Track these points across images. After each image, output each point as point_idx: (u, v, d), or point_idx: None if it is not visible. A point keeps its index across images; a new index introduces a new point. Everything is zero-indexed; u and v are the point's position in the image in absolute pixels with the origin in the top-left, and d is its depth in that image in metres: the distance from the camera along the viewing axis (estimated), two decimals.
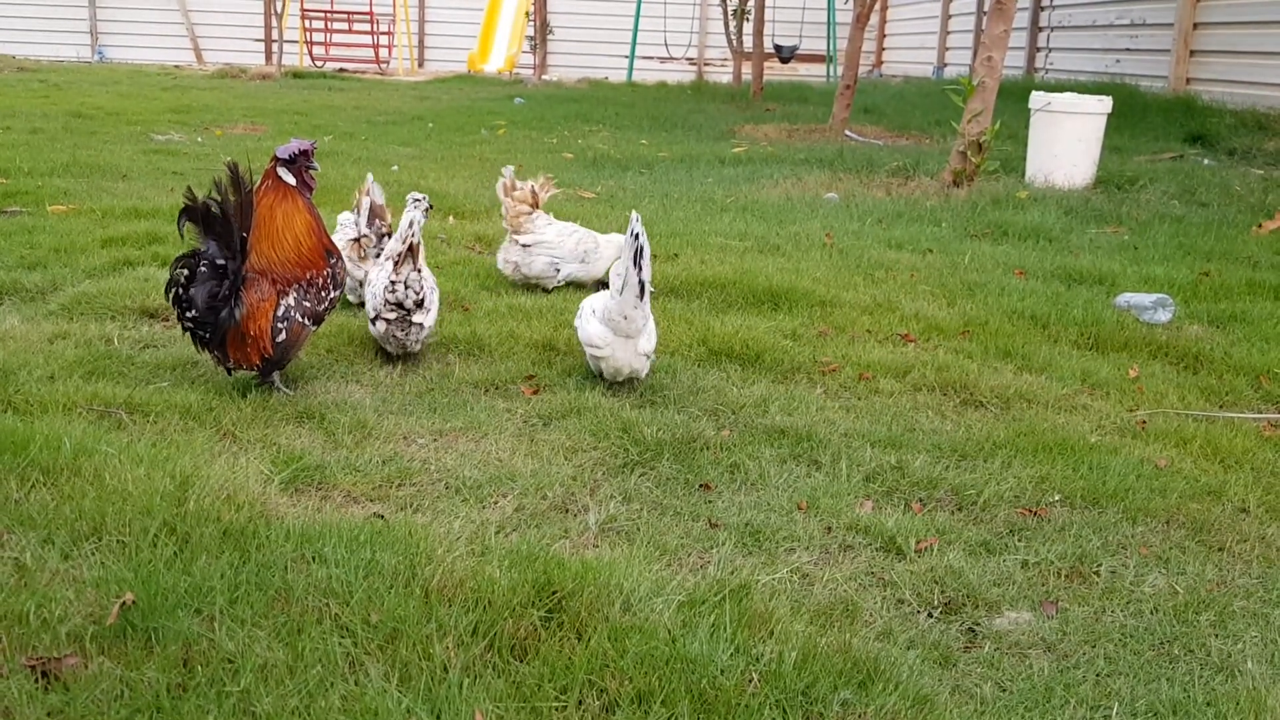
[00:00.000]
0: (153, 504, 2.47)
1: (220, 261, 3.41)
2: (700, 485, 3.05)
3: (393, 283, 3.84)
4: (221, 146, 9.93)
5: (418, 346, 3.97)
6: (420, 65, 24.46)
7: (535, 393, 3.76)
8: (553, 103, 16.28)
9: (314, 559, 2.33)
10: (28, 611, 2.09)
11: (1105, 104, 8.61)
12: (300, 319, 3.58)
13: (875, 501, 3.01)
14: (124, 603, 2.11)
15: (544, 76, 21.87)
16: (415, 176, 8.42)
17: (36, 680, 1.93)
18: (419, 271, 3.89)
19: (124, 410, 3.23)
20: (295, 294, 3.58)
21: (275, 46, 21.35)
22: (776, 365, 4.11)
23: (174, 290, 3.43)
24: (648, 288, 3.69)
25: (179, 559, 2.28)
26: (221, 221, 3.40)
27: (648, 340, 3.80)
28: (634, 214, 3.74)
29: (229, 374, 3.62)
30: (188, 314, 3.43)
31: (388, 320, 3.87)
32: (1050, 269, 5.63)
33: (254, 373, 3.59)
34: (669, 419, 3.46)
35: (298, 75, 20.79)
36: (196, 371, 3.78)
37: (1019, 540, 2.83)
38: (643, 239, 3.65)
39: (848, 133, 13.59)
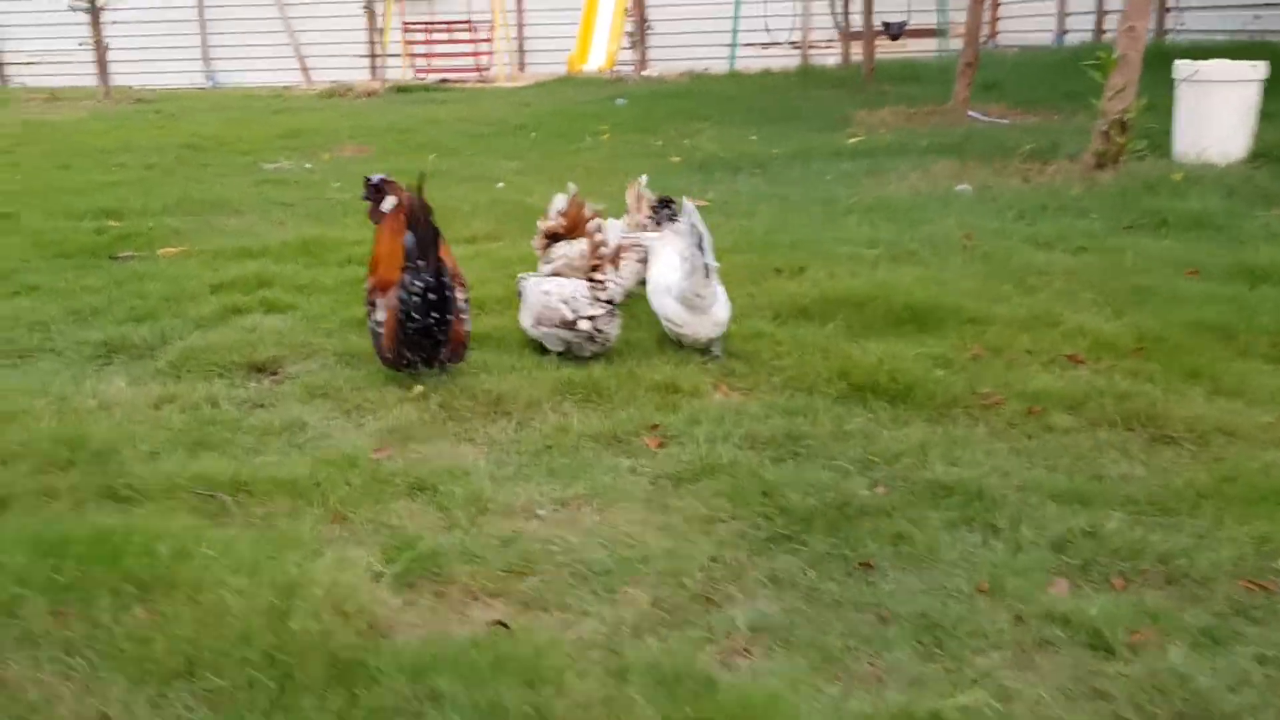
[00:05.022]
0: (252, 627, 2.21)
1: (443, 279, 3.82)
2: (860, 564, 2.68)
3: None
4: (330, 172, 9.85)
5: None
6: (521, 69, 24.38)
7: (661, 445, 3.43)
8: (655, 100, 15.94)
9: (429, 698, 2.03)
10: None
11: (1260, 69, 7.91)
12: (466, 306, 4.06)
13: (1069, 578, 2.59)
14: None
15: (644, 73, 21.54)
16: (520, 194, 8.18)
17: None
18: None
19: (228, 493, 3.00)
20: (460, 290, 4.01)
21: (378, 62, 21.47)
22: (930, 400, 3.71)
23: (426, 311, 3.80)
24: (713, 269, 4.05)
25: (278, 705, 2.01)
26: (433, 240, 3.81)
27: (722, 309, 4.17)
28: (687, 203, 4.13)
29: (440, 369, 3.99)
30: (441, 326, 3.84)
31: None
32: (1225, 265, 5.07)
33: (454, 364, 4.03)
34: (815, 477, 3.09)
35: (401, 90, 20.86)
36: (304, 435, 3.55)
37: (1247, 624, 2.39)
38: (700, 226, 4.00)
39: (970, 113, 12.92)
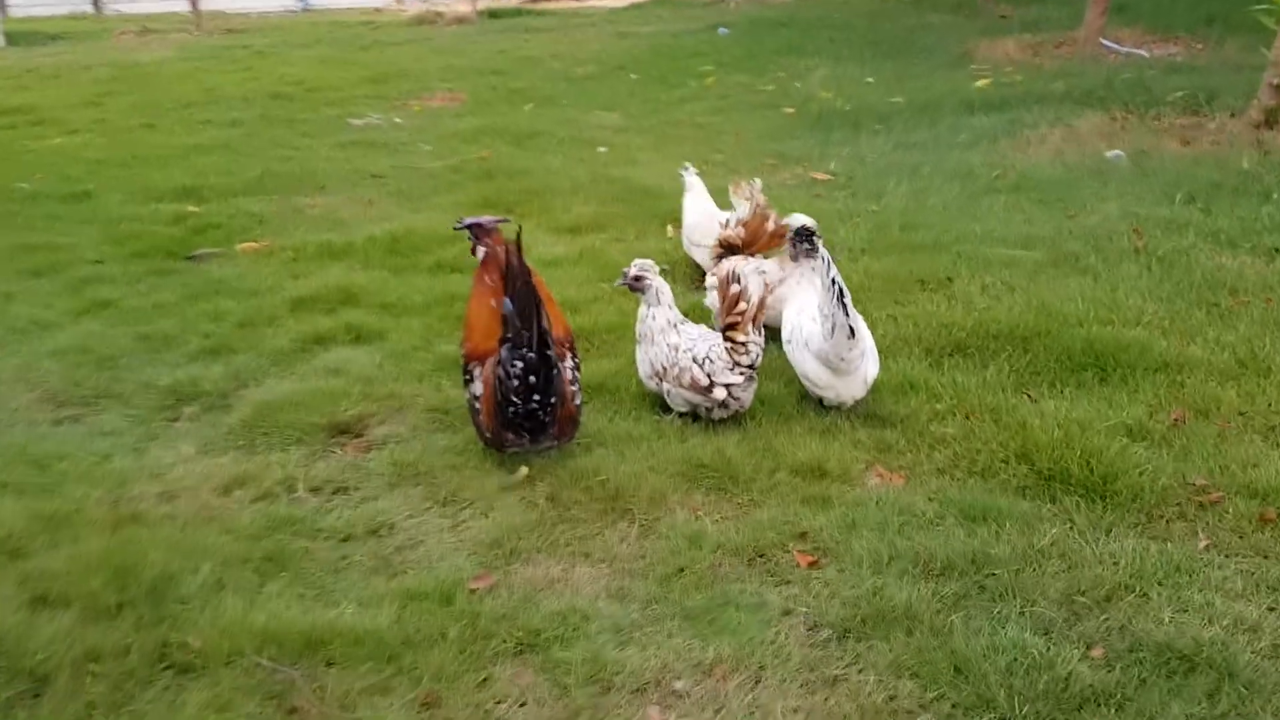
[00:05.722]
0: None
1: (548, 354, 3.21)
2: None
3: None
4: (420, 128, 9.30)
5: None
6: None
7: (814, 564, 2.86)
8: (759, 30, 15.03)
9: None
10: None
11: None
12: (577, 377, 3.44)
13: None
14: None
15: None
16: (625, 164, 7.54)
17: None
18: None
19: (300, 659, 2.50)
20: (570, 358, 3.42)
21: None
22: (1135, 496, 3.06)
23: (528, 395, 3.23)
24: (858, 330, 3.50)
25: None
26: (535, 307, 3.15)
27: (872, 365, 3.63)
28: (823, 252, 3.54)
29: (553, 446, 3.43)
30: (547, 409, 3.25)
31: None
32: None
33: (558, 444, 3.43)
34: (1015, 640, 2.48)
35: (494, 14, 20.18)
36: (392, 543, 3.05)
37: None
38: (839, 280, 3.40)
39: (1104, 42, 11.84)
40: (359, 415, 3.80)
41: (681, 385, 3.53)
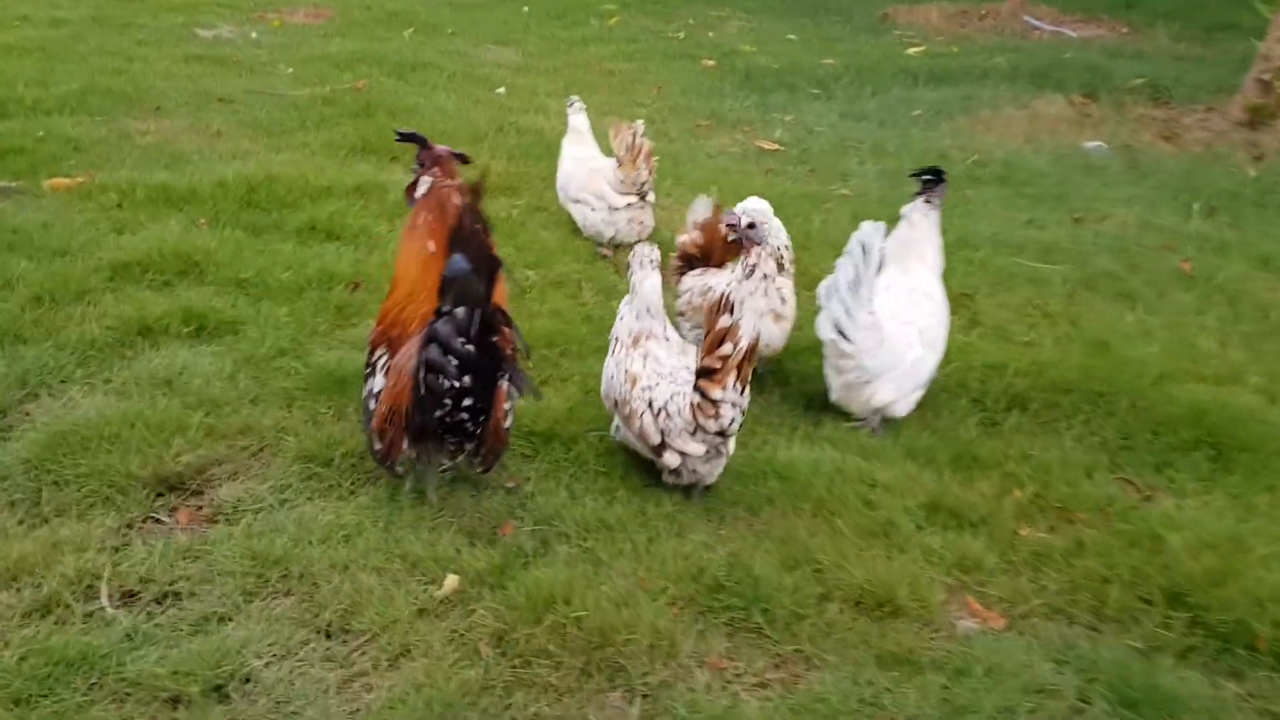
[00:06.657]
0: None
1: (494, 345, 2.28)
2: None
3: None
4: (280, 46, 7.84)
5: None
6: None
7: None
8: None
9: None
10: None
11: None
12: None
13: None
14: None
15: None
16: (529, 108, 6.34)
17: None
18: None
19: None
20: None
21: None
22: None
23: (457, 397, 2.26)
24: (856, 339, 2.87)
25: None
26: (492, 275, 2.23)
27: (885, 391, 2.89)
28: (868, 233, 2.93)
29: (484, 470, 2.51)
30: (473, 422, 2.32)
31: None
32: None
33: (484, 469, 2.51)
34: None
35: None
36: (249, 713, 1.91)
37: None
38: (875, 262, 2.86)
39: (1029, 20, 11.16)
40: (198, 462, 2.60)
41: (630, 429, 2.50)
